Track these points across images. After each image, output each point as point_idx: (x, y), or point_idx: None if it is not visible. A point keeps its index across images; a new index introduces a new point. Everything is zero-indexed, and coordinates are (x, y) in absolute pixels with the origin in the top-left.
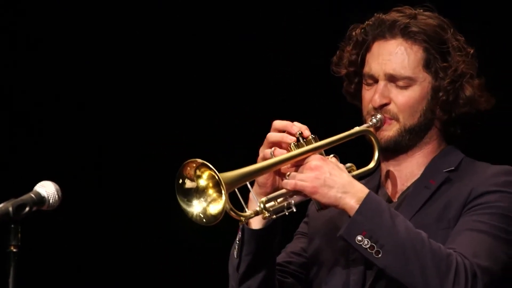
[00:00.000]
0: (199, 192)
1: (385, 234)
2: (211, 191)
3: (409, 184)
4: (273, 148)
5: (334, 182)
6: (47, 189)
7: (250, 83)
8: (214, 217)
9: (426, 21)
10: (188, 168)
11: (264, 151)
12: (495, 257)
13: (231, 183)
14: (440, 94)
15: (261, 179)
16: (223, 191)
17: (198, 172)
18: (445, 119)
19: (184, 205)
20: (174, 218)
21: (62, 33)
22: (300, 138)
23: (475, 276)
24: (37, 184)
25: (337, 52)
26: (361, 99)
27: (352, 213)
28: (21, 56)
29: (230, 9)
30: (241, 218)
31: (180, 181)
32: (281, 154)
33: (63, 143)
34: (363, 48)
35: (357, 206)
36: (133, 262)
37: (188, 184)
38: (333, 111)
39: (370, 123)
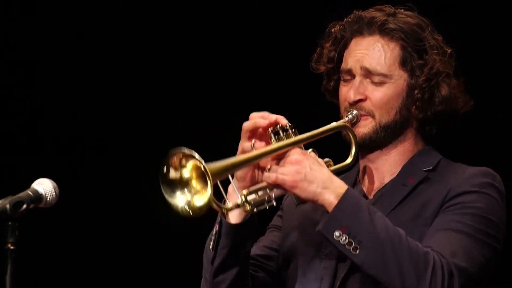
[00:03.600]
0: (183, 183)
1: (363, 230)
2: (195, 182)
3: (386, 182)
4: (253, 141)
5: (314, 177)
6: (44, 186)
7: (230, 79)
8: (200, 209)
9: (405, 20)
10: (174, 158)
11: (243, 144)
12: (472, 257)
13: (216, 175)
14: (416, 91)
15: (240, 173)
16: (209, 183)
17: (183, 162)
18: (421, 117)
19: (168, 197)
20: (175, 217)
21: (59, 32)
22: (281, 132)
23: (452, 276)
24: (35, 182)
25: (317, 50)
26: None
27: (331, 209)
28: (19, 56)
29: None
30: (223, 210)
31: (165, 170)
32: (261, 146)
33: (60, 140)
34: (341, 44)
35: (336, 202)
36: (131, 259)
37: (172, 174)
38: (313, 109)
39: (346, 119)
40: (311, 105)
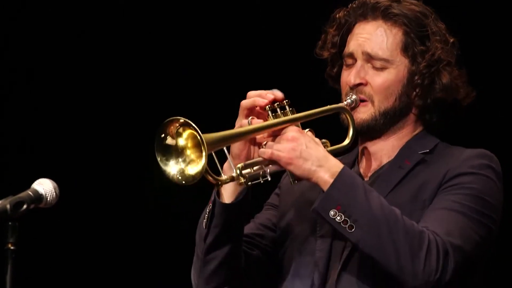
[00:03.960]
0: (178, 151)
1: (358, 209)
2: (190, 152)
3: (383, 164)
4: (250, 118)
5: (310, 155)
6: (44, 186)
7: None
8: (193, 177)
9: (409, 7)
10: (171, 126)
11: (241, 121)
12: (468, 236)
13: (211, 144)
14: (416, 77)
15: (236, 150)
16: (203, 152)
17: (180, 131)
18: (421, 104)
19: (162, 164)
20: (175, 218)
21: (59, 32)
22: (278, 109)
23: (447, 254)
24: (35, 182)
25: (322, 36)
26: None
27: (326, 187)
28: (19, 55)
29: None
30: (218, 181)
31: (162, 136)
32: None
33: (60, 140)
34: (345, 29)
35: (331, 181)
36: (131, 259)
37: (169, 141)
38: (314, 96)
39: (345, 103)
40: (313, 92)
